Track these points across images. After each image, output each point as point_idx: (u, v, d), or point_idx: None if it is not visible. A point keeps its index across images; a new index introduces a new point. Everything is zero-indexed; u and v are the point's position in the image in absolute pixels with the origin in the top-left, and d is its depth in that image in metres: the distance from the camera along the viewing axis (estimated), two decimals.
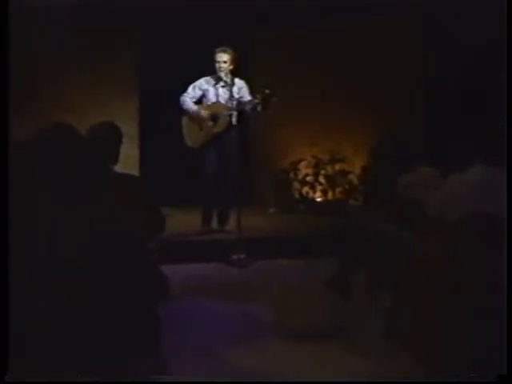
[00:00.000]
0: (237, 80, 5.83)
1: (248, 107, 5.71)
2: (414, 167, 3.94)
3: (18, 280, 1.59)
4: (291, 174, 7.52)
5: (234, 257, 5.45)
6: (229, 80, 5.74)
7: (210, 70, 5.86)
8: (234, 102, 5.70)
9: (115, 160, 3.25)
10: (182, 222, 6.41)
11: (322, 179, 7.50)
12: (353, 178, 7.44)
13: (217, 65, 5.75)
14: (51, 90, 6.96)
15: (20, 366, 1.54)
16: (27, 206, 1.78)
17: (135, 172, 7.19)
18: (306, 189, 7.52)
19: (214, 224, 6.12)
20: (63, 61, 6.94)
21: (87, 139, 2.89)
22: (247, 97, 5.82)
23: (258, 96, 5.65)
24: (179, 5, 6.42)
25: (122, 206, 2.85)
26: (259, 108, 5.66)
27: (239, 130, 5.77)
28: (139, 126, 7.46)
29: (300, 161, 7.49)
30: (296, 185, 7.54)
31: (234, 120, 5.72)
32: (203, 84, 5.94)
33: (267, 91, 5.56)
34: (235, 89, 5.76)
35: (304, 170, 7.53)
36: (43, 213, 1.74)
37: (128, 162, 6.99)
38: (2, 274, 1.57)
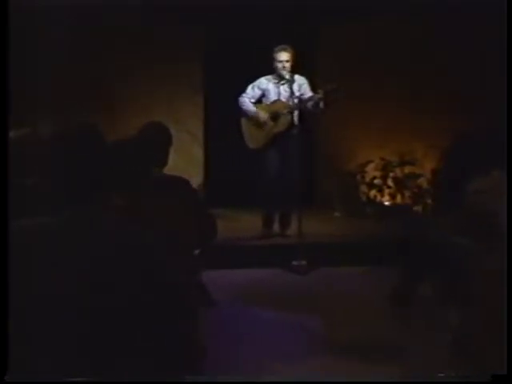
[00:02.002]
0: (297, 77, 5.60)
1: (310, 104, 5.47)
2: (486, 171, 3.63)
3: (18, 280, 1.53)
4: (358, 177, 7.24)
5: (295, 263, 5.23)
6: (289, 77, 5.52)
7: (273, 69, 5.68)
8: (296, 100, 5.47)
9: (163, 162, 3.05)
10: (242, 224, 6.29)
11: (390, 182, 7.19)
12: (423, 181, 7.08)
13: (279, 64, 5.53)
14: (126, 91, 6.96)
15: (20, 366, 1.52)
16: (57, 208, 1.67)
17: (199, 171, 7.15)
18: (373, 192, 7.22)
19: (276, 227, 5.92)
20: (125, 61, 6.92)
21: (126, 141, 2.74)
22: (308, 93, 5.58)
23: (320, 91, 5.41)
24: (243, 4, 6.29)
25: (165, 210, 2.71)
26: (321, 105, 5.41)
27: (302, 130, 5.49)
28: (204, 126, 7.39)
29: (368, 163, 7.20)
30: (363, 188, 7.26)
31: (295, 119, 5.46)
32: (263, 83, 5.74)
33: (329, 85, 5.32)
34: (295, 86, 5.53)
35: (372, 172, 7.24)
36: (73, 215, 1.62)
37: (192, 161, 7.05)
38: (1, 274, 1.54)
